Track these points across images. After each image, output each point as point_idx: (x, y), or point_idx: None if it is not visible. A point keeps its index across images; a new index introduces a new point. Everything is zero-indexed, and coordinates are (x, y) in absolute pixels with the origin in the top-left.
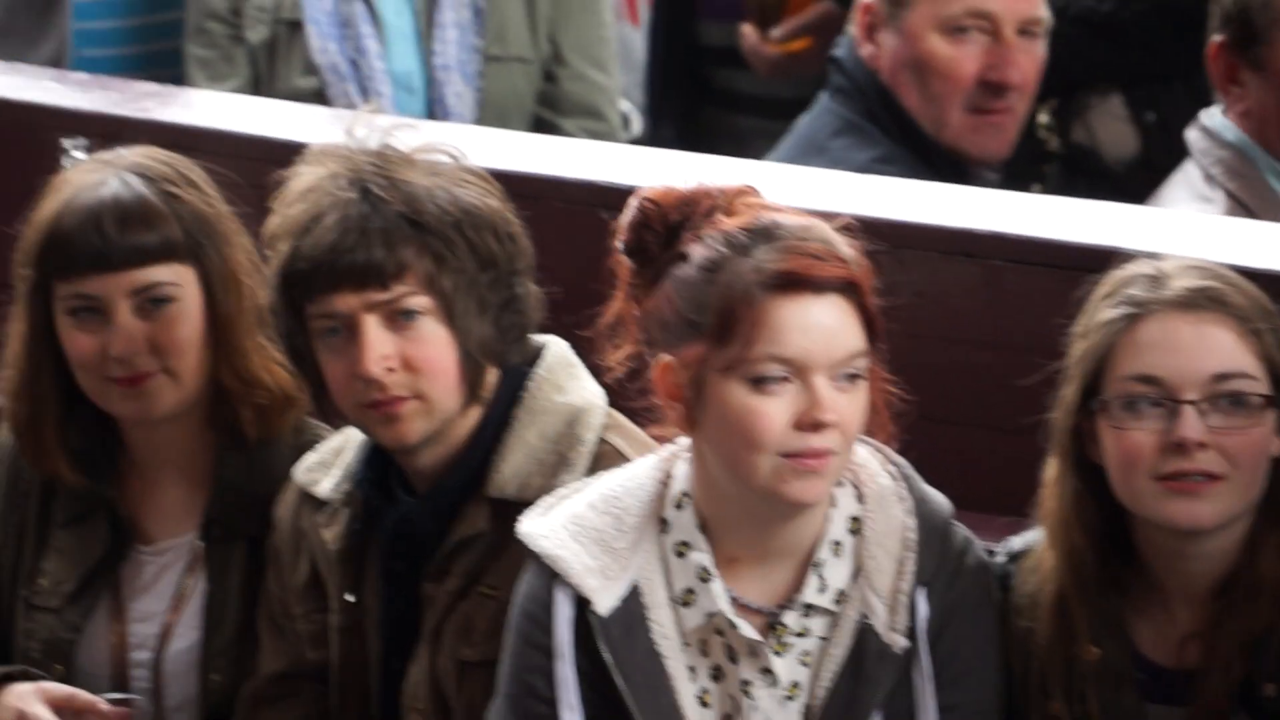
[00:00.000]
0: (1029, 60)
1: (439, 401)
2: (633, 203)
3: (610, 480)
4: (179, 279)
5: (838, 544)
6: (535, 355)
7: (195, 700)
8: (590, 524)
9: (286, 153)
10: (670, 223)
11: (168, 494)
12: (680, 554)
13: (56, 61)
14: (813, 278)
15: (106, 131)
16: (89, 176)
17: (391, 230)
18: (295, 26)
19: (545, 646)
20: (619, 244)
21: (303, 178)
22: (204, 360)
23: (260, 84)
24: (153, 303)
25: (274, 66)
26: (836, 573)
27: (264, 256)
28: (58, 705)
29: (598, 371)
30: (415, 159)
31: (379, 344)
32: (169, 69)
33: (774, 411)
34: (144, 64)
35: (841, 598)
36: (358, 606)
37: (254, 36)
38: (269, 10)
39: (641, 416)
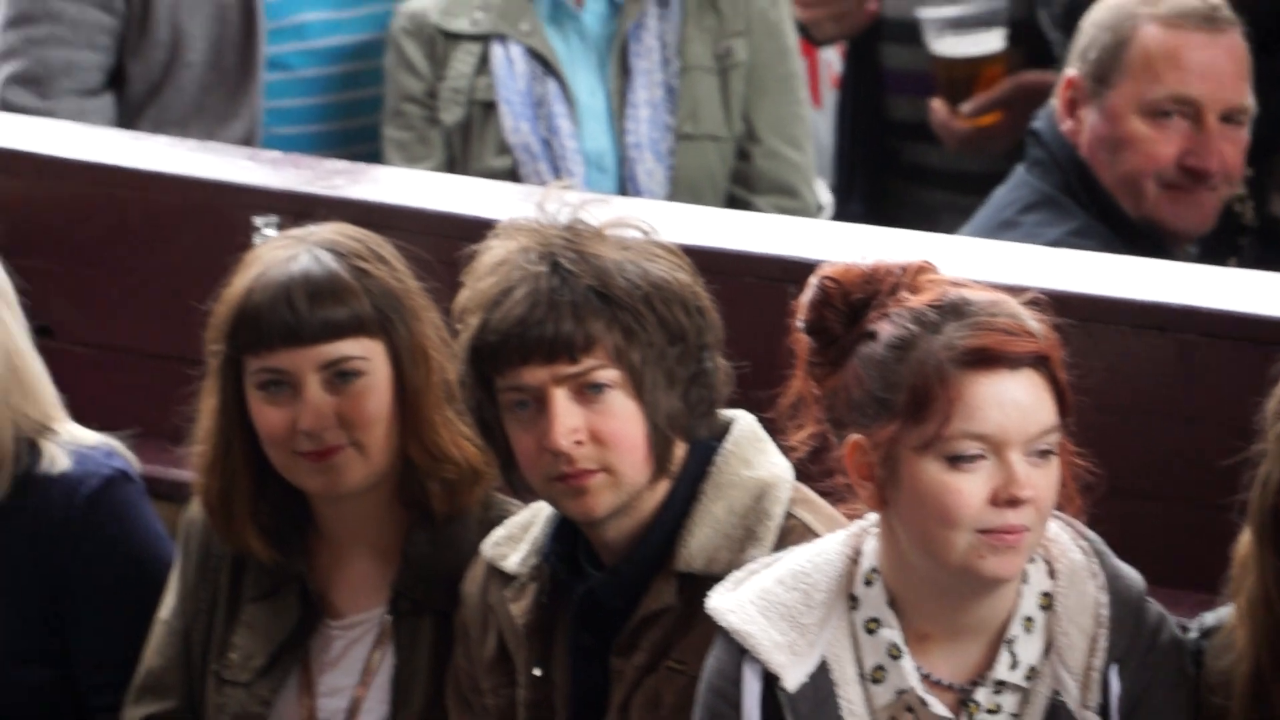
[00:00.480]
0: (1231, 148)
1: (627, 475)
2: (813, 281)
3: (799, 556)
4: (368, 353)
5: (1029, 620)
6: (724, 429)
7: None
8: (779, 599)
9: (477, 229)
10: (853, 301)
11: (357, 568)
12: (870, 630)
13: (248, 139)
14: (1006, 353)
15: (298, 209)
16: (280, 252)
17: (581, 304)
18: (489, 107)
19: None
20: (799, 322)
21: (493, 251)
22: (392, 434)
23: (455, 164)
24: (341, 377)
25: (468, 147)
26: (1028, 649)
27: (454, 332)
28: None
29: (785, 448)
30: (605, 233)
31: (567, 417)
32: (360, 145)
33: (970, 488)
34: (335, 141)
35: (1033, 674)
36: (545, 681)
37: (449, 118)
38: (464, 92)
39: (826, 496)
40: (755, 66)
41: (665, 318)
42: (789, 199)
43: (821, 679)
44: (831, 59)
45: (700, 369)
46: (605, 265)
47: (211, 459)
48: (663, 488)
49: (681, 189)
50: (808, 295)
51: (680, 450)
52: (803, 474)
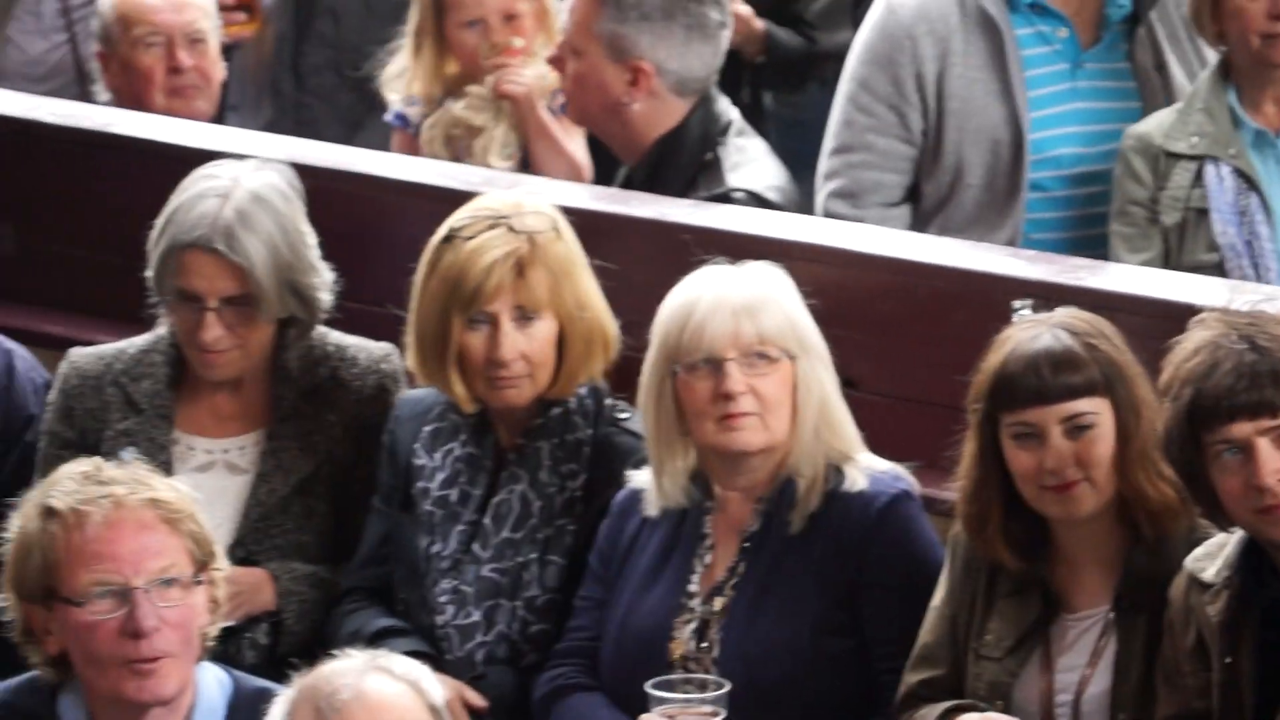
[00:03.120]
0: None
1: None
2: None
3: None
4: (1097, 409)
5: None
6: None
7: None
8: None
9: (1182, 314)
10: None
11: (1086, 574)
12: None
13: (1011, 242)
14: None
15: (1047, 295)
16: (1027, 332)
17: (1278, 372)
18: (1202, 213)
19: None
20: None
21: (1194, 338)
22: (1114, 473)
23: (1169, 257)
24: (1078, 429)
25: (1182, 244)
26: None
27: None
28: None
29: None
30: None
31: (1272, 461)
32: (1096, 250)
33: None
34: (1077, 246)
35: None
36: (1234, 667)
37: (1167, 219)
38: (1181, 200)
39: None
40: None
41: None
42: None
43: None
44: None
45: None
46: None
47: (971, 491)
48: None
49: None
50: None
51: None
52: None
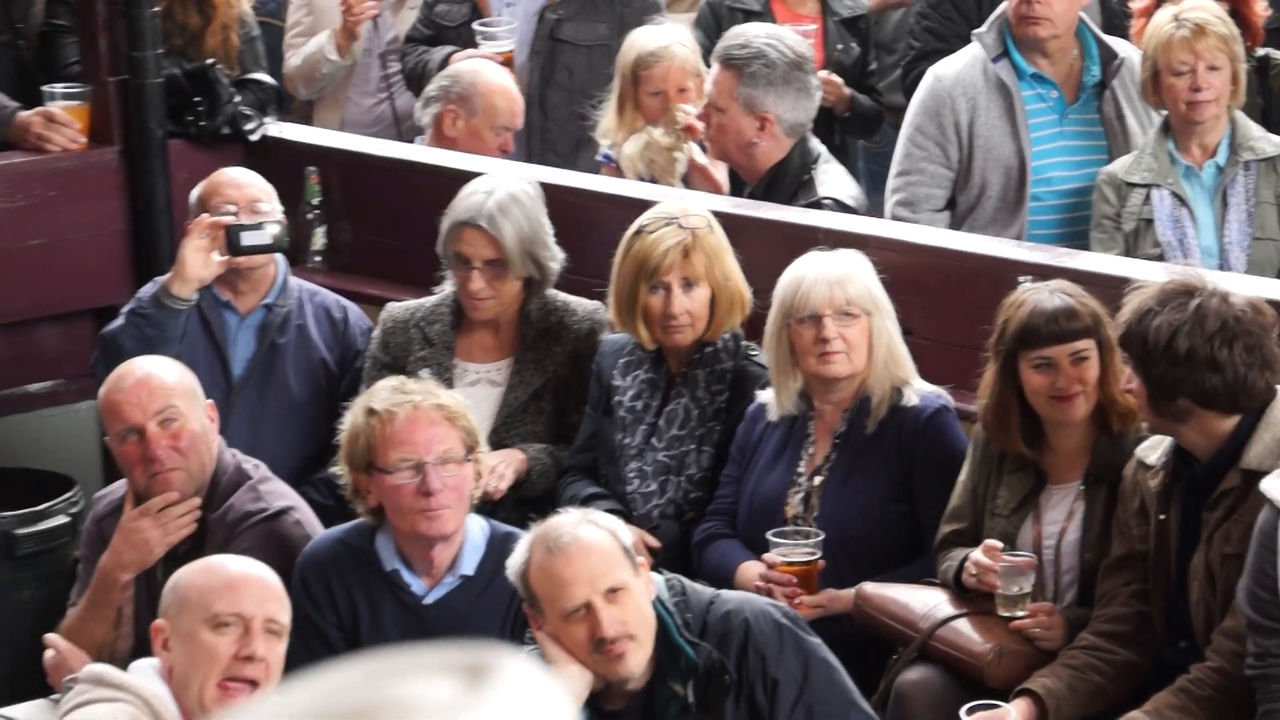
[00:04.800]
0: None
1: None
2: None
3: None
4: (1089, 347)
5: None
6: (1270, 397)
7: (1075, 568)
8: None
9: (1120, 285)
10: None
11: (1066, 459)
12: None
13: (1018, 237)
14: None
15: (1040, 273)
16: (1038, 295)
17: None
18: (1149, 223)
19: (1272, 557)
20: None
21: (1140, 294)
22: (1097, 387)
23: (1129, 253)
24: (1078, 360)
25: (1137, 243)
26: None
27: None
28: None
29: None
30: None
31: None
32: (1074, 243)
33: None
34: (1061, 240)
35: None
36: (1165, 523)
37: (1126, 228)
38: (1135, 214)
39: None
40: None
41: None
42: None
43: None
44: None
45: (1238, 361)
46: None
47: (991, 402)
48: (1233, 420)
49: (1253, 270)
50: None
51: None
52: None
